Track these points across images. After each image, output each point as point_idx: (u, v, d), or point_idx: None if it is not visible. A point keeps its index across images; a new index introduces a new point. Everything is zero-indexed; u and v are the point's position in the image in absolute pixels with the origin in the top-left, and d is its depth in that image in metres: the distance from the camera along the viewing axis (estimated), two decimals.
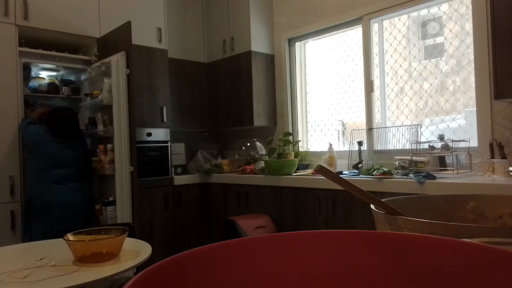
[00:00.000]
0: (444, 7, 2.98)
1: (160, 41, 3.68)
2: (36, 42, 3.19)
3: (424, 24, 3.22)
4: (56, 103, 3.44)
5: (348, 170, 3.17)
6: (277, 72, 3.98)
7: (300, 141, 3.89)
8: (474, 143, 2.68)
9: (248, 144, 4.11)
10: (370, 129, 3.29)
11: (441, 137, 2.67)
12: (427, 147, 2.74)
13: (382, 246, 0.40)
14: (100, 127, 3.12)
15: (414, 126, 2.97)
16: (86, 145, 3.19)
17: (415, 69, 3.16)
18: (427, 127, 3.06)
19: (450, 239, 0.37)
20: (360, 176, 2.79)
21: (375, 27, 3.31)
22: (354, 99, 3.50)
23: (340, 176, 0.64)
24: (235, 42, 3.93)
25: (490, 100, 2.61)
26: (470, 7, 2.71)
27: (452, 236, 0.47)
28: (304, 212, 3.03)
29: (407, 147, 2.92)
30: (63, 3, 3.21)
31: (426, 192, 2.31)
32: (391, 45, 3.26)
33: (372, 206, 0.62)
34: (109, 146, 3.01)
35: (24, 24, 3.01)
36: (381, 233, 0.40)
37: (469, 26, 2.80)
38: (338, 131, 3.67)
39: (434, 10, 3.06)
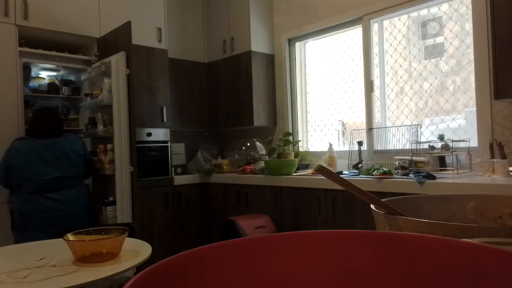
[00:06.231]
0: (444, 7, 2.98)
1: (160, 41, 3.68)
2: (36, 42, 3.18)
3: (424, 24, 3.22)
4: (57, 102, 3.45)
5: (348, 170, 3.16)
6: (277, 72, 3.98)
7: (300, 141, 3.89)
8: (474, 143, 2.67)
9: (248, 144, 4.11)
10: (370, 129, 3.29)
11: (441, 137, 2.67)
12: (427, 147, 2.74)
13: (382, 246, 0.40)
14: (100, 127, 3.12)
15: (414, 126, 2.97)
16: (69, 147, 2.74)
17: (415, 69, 3.16)
18: (427, 127, 3.06)
19: (450, 239, 0.37)
20: (360, 176, 2.79)
21: (375, 27, 3.31)
22: (354, 99, 3.50)
23: (340, 176, 0.64)
24: (235, 42, 3.93)
25: (490, 100, 2.61)
26: (470, 7, 2.71)
27: (452, 236, 0.47)
28: (304, 212, 3.03)
29: (407, 147, 2.92)
30: (63, 3, 3.20)
31: (426, 192, 2.31)
32: (391, 45, 3.26)
33: (372, 206, 0.62)
34: (109, 146, 3.01)
35: (24, 24, 3.01)
36: (381, 233, 0.40)
37: (469, 26, 2.80)
38: (338, 131, 3.67)
39: (434, 10, 3.06)
